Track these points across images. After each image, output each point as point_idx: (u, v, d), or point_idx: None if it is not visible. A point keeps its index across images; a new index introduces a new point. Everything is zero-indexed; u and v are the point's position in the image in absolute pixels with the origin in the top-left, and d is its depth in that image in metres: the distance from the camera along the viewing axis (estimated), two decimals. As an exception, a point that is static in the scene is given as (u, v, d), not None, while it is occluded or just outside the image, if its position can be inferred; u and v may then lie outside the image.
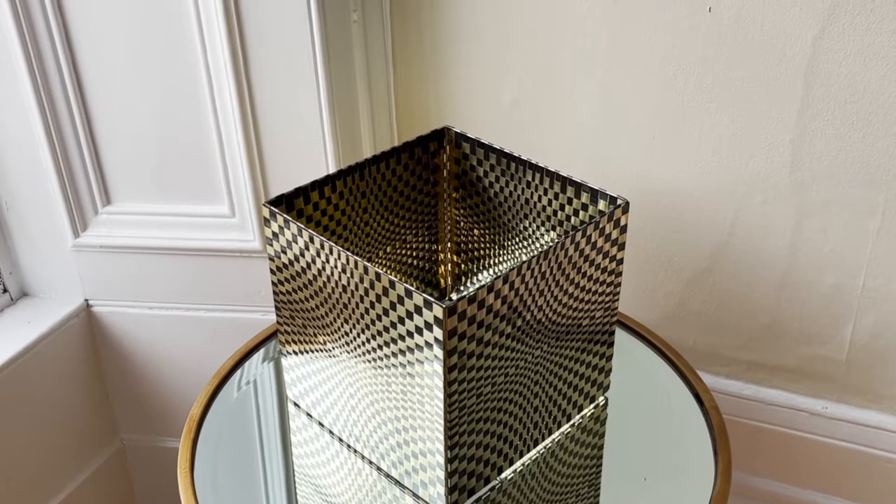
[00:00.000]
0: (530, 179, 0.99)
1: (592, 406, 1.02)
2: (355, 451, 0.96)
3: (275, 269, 0.93)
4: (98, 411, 1.46)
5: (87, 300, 1.37)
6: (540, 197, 0.99)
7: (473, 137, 1.02)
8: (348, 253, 0.82)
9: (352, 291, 0.84)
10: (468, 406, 0.83)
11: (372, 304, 0.82)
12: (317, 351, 0.94)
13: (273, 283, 0.95)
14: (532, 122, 1.21)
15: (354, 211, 1.01)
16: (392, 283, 0.79)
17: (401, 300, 0.79)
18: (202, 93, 1.19)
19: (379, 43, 1.24)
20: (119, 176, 1.27)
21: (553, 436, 0.97)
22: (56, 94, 1.21)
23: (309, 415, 1.01)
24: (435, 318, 0.76)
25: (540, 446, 0.96)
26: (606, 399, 1.03)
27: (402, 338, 0.81)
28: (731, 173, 1.13)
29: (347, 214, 1.00)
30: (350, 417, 0.94)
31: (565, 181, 0.95)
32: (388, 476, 0.93)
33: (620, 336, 1.12)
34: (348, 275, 0.83)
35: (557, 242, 0.84)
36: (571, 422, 0.99)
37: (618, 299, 0.96)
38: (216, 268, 1.31)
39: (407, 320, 0.79)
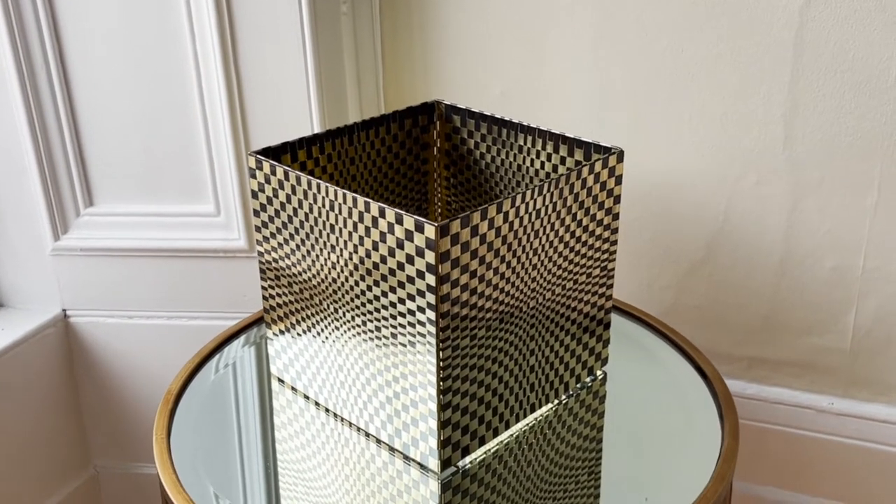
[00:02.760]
0: (522, 143, 0.98)
1: (590, 378, 0.97)
2: (342, 419, 0.91)
3: (259, 224, 0.90)
4: (71, 434, 1.39)
5: (64, 310, 1.33)
6: (532, 161, 0.97)
7: (464, 108, 1.01)
8: (336, 187, 0.80)
9: (339, 230, 0.81)
10: (461, 347, 0.79)
11: (361, 240, 0.79)
12: (303, 311, 0.90)
13: (258, 243, 0.91)
14: (522, 113, 1.21)
15: (343, 178, 0.98)
16: (382, 211, 0.76)
17: (391, 228, 0.76)
18: (190, 85, 1.18)
19: (368, 38, 1.24)
20: (103, 176, 1.25)
21: (550, 403, 0.93)
22: (42, 88, 1.19)
23: (294, 388, 0.96)
24: (427, 240, 0.73)
25: (537, 413, 0.91)
26: (605, 374, 0.99)
27: (392, 272, 0.78)
28: (723, 154, 1.12)
29: (336, 180, 0.98)
30: (337, 379, 0.89)
31: (558, 138, 0.94)
32: (377, 441, 0.88)
33: (617, 321, 1.09)
34: (336, 211, 0.80)
35: (552, 179, 0.82)
36: (570, 391, 0.95)
37: (614, 259, 0.93)
38: (200, 270, 1.27)
39: (398, 251, 0.76)
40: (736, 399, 1.22)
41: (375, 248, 0.78)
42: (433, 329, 0.76)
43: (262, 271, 0.93)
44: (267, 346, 0.99)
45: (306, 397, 0.95)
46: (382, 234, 0.77)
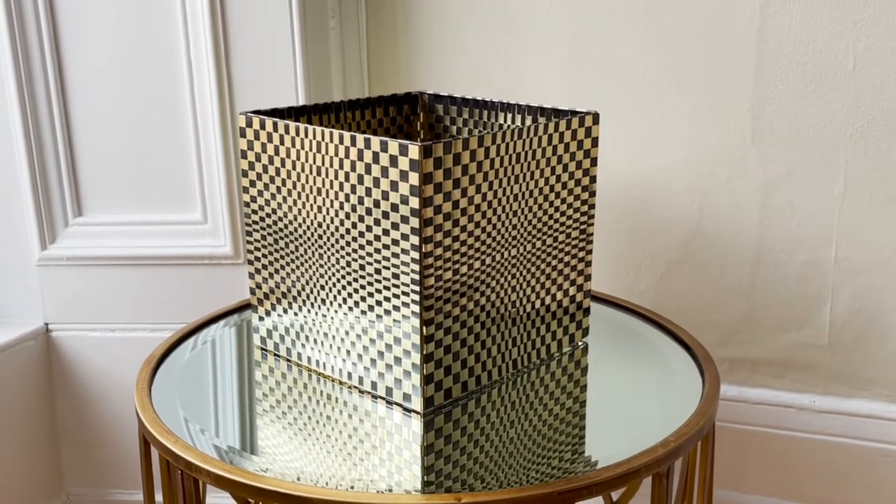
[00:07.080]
0: (503, 122, 1.02)
1: (571, 345, 0.98)
2: (324, 375, 0.91)
3: (248, 184, 0.93)
4: (45, 457, 1.35)
5: (46, 323, 1.33)
6: (512, 137, 1.01)
7: (446, 95, 1.06)
8: (322, 127, 0.83)
9: (326, 170, 0.83)
10: (444, 279, 0.80)
11: (347, 176, 0.82)
12: (288, 265, 0.91)
13: (245, 204, 0.94)
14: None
15: (329, 154, 1.02)
16: (368, 142, 0.79)
17: (376, 158, 0.79)
18: (182, 95, 1.23)
19: (354, 49, 1.30)
20: (94, 186, 1.28)
21: (532, 361, 0.93)
22: (39, 97, 1.23)
23: (276, 354, 0.96)
24: (411, 161, 0.76)
25: (519, 368, 0.92)
26: (586, 344, 1.00)
27: (377, 204, 0.80)
28: (695, 151, 1.17)
29: (322, 155, 1.01)
30: (322, 328, 0.90)
31: (536, 110, 0.98)
32: (360, 392, 0.87)
33: (596, 307, 1.10)
34: (323, 152, 0.83)
35: (532, 126, 0.86)
36: (552, 353, 0.95)
37: (593, 224, 0.96)
38: (185, 278, 1.28)
39: (383, 180, 0.79)
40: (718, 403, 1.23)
41: (361, 181, 0.81)
42: (416, 256, 0.78)
43: (249, 234, 0.95)
44: (251, 320, 1.00)
45: (289, 360, 0.95)
46: (367, 166, 0.80)
